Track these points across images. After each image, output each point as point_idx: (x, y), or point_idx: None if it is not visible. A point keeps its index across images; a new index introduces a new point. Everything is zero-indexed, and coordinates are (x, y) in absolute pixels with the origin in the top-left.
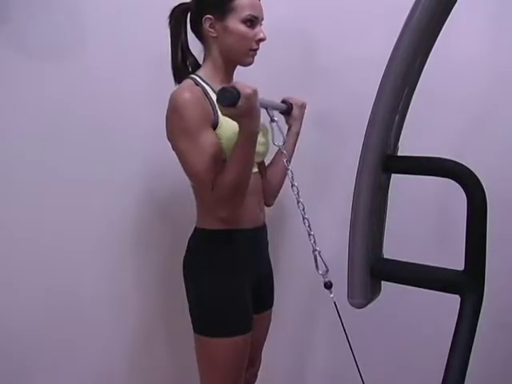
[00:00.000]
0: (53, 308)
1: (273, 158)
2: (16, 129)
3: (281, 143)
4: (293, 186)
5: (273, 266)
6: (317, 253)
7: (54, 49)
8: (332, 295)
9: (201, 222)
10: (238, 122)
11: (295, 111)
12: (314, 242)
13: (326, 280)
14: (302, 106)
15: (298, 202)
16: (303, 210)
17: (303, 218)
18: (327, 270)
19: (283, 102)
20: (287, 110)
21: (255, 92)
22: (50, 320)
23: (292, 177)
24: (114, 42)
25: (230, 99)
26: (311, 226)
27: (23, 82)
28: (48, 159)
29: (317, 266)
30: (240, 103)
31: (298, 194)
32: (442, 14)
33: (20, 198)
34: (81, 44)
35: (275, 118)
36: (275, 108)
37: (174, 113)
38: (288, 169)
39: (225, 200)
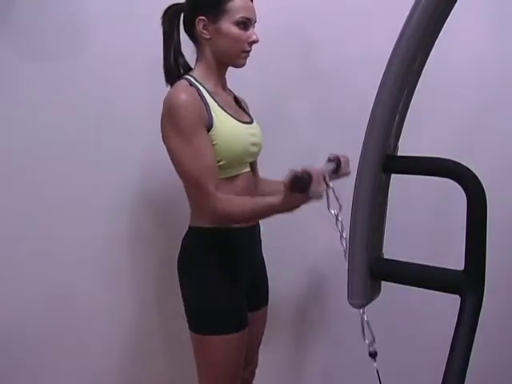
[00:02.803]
0: (52, 308)
1: (271, 183)
2: (15, 129)
3: (337, 211)
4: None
5: (267, 263)
6: (365, 321)
7: (54, 49)
8: (375, 364)
9: (194, 221)
10: (292, 199)
11: (344, 169)
12: (363, 312)
13: (372, 350)
14: (347, 162)
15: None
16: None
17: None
18: (374, 340)
19: (330, 160)
20: (336, 168)
21: (324, 177)
22: (50, 320)
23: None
24: (115, 42)
25: (303, 185)
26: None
27: (23, 82)
28: (46, 159)
29: (364, 335)
30: (312, 189)
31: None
32: (442, 14)
33: (17, 201)
34: (81, 44)
35: (331, 185)
36: (328, 172)
37: (169, 114)
38: (342, 236)
39: (218, 218)
